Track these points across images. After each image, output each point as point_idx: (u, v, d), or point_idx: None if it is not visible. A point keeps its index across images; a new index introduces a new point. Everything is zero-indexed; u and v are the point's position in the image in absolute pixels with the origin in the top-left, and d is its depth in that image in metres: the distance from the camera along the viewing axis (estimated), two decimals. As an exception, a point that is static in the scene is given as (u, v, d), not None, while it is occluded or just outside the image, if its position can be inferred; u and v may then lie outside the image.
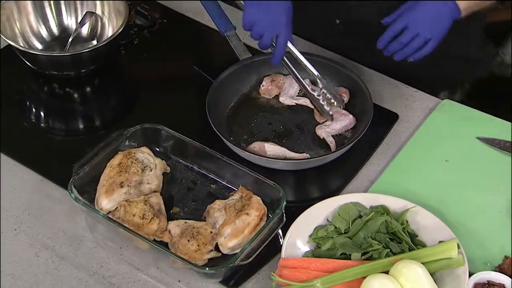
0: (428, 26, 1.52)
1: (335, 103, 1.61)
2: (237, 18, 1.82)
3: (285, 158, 1.54)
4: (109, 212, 1.41)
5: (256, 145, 1.56)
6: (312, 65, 1.61)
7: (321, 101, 1.62)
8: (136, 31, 1.89)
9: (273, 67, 1.62)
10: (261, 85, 1.70)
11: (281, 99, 1.68)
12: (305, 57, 1.61)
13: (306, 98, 1.67)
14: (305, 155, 1.56)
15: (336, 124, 1.60)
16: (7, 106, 1.70)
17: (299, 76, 1.63)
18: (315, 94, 1.62)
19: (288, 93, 1.68)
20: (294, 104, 1.68)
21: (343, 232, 1.38)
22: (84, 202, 1.40)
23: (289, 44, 1.58)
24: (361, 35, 1.77)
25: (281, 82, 1.70)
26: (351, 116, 1.61)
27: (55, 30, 1.84)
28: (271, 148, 1.56)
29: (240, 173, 1.45)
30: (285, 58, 1.60)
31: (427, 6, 1.52)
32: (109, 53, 1.76)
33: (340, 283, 1.28)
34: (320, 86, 1.61)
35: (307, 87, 1.63)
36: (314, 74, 1.61)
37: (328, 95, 1.60)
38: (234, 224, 1.36)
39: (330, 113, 1.61)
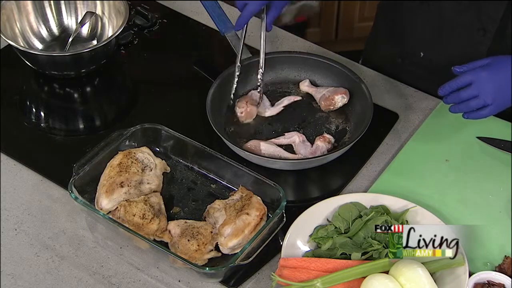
0: (490, 91, 1.40)
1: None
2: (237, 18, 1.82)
3: (280, 158, 1.55)
4: (109, 212, 1.41)
5: (251, 144, 1.56)
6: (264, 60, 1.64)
7: (236, 83, 1.64)
8: (136, 31, 1.89)
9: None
10: (238, 113, 1.63)
11: (267, 114, 1.65)
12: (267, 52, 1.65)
13: (288, 97, 1.67)
14: (299, 155, 1.56)
15: (299, 148, 1.58)
16: (7, 106, 1.70)
17: (240, 51, 1.65)
18: (236, 78, 1.64)
19: (266, 104, 1.66)
20: (282, 108, 1.66)
21: (343, 232, 1.38)
22: (84, 202, 1.40)
23: (263, 32, 1.61)
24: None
25: (254, 96, 1.66)
26: (309, 149, 1.57)
27: (55, 30, 1.84)
28: (266, 147, 1.56)
29: (240, 173, 1.45)
30: (244, 32, 1.63)
31: (499, 71, 1.41)
32: (109, 53, 1.76)
33: (340, 283, 1.29)
34: (260, 77, 1.65)
35: (237, 65, 1.65)
36: (260, 64, 1.64)
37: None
38: (234, 224, 1.36)
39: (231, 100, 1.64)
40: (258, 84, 1.65)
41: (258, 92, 1.65)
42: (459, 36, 1.66)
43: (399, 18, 1.77)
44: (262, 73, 1.64)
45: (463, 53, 1.62)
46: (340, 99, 1.65)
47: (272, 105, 1.67)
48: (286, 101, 1.67)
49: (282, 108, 1.66)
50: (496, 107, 1.42)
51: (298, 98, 1.67)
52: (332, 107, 1.65)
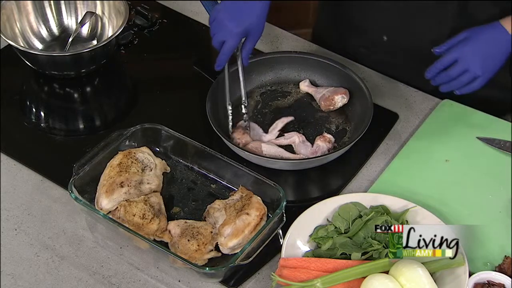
0: (479, 63, 1.46)
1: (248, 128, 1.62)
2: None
3: (280, 158, 1.55)
4: (109, 212, 1.41)
5: (253, 145, 1.56)
6: (245, 91, 1.63)
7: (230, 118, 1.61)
8: (136, 31, 1.89)
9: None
10: (235, 139, 1.58)
11: (266, 138, 1.61)
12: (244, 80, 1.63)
13: (282, 119, 1.64)
14: (300, 156, 1.56)
15: (300, 148, 1.58)
16: (7, 106, 1.70)
17: (227, 89, 1.61)
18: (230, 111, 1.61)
19: (260, 132, 1.62)
20: (278, 133, 1.62)
21: (343, 232, 1.38)
22: (84, 202, 1.40)
23: (240, 68, 1.60)
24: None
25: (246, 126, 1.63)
26: (309, 150, 1.57)
27: (55, 30, 1.84)
28: (267, 148, 1.56)
29: (240, 173, 1.45)
30: (226, 70, 1.61)
31: (481, 42, 1.47)
32: (109, 53, 1.76)
33: (340, 283, 1.29)
34: (244, 111, 1.61)
35: (227, 102, 1.61)
36: (243, 98, 1.61)
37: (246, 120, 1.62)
38: (234, 224, 1.36)
39: (230, 130, 1.60)
40: (244, 116, 1.62)
41: (246, 125, 1.62)
42: (424, 16, 1.67)
43: (355, 9, 1.77)
44: (246, 107, 1.61)
45: (428, 32, 1.65)
46: (340, 99, 1.64)
47: (266, 131, 1.63)
48: (280, 123, 1.64)
49: (278, 132, 1.62)
50: (485, 77, 1.47)
51: (291, 118, 1.64)
52: (332, 107, 1.65)
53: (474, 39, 1.47)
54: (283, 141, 1.59)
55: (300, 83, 1.71)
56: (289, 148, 1.59)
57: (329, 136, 1.58)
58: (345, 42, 1.83)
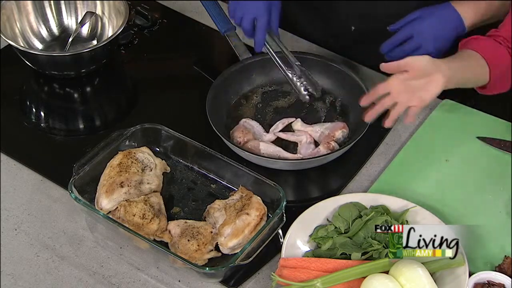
0: (431, 40, 1.55)
1: (310, 89, 1.64)
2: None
3: (279, 158, 1.54)
4: (109, 212, 1.41)
5: (251, 144, 1.56)
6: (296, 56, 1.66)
7: (298, 85, 1.64)
8: (136, 31, 1.89)
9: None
10: (236, 139, 1.57)
11: (266, 137, 1.60)
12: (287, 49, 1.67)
13: (282, 120, 1.63)
14: (298, 155, 1.55)
15: (302, 148, 1.58)
16: (7, 106, 1.70)
17: (280, 62, 1.65)
18: (294, 78, 1.64)
19: (261, 132, 1.61)
20: (278, 132, 1.62)
21: (343, 232, 1.38)
22: (84, 202, 1.40)
23: (276, 39, 1.63)
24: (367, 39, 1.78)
25: (247, 125, 1.62)
26: (312, 150, 1.57)
27: (55, 30, 1.84)
28: (265, 147, 1.56)
29: (240, 173, 1.45)
30: (267, 45, 1.64)
31: (433, 20, 1.55)
32: (109, 53, 1.76)
33: (340, 283, 1.29)
34: (298, 73, 1.64)
35: (286, 71, 1.65)
36: (292, 60, 1.65)
37: (304, 81, 1.64)
38: (234, 224, 1.36)
39: (306, 97, 1.63)
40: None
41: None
42: (389, 2, 1.70)
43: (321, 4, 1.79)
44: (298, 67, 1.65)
45: (393, 15, 1.66)
46: (341, 134, 1.59)
47: (267, 130, 1.62)
48: (281, 125, 1.63)
49: (279, 132, 1.62)
50: (436, 54, 1.52)
51: (292, 119, 1.64)
52: (334, 144, 1.57)
53: (428, 18, 1.55)
54: (291, 137, 1.58)
55: (293, 124, 1.64)
56: (289, 147, 1.58)
57: (334, 144, 1.56)
58: (313, 31, 1.85)
